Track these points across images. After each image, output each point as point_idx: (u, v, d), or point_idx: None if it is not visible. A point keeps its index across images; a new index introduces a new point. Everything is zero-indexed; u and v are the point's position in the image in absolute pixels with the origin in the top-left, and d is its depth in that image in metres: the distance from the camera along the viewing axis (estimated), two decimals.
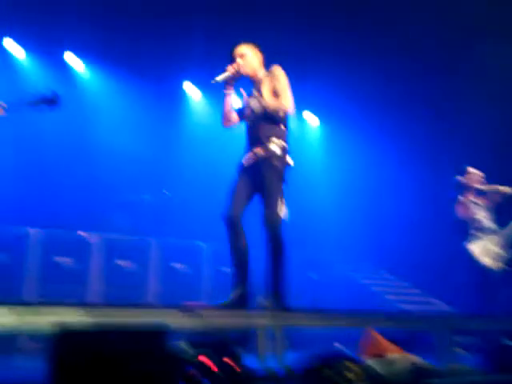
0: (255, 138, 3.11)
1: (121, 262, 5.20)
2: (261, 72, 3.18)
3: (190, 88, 7.58)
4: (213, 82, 3.05)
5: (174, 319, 2.29)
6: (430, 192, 6.89)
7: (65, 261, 4.94)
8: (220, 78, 3.07)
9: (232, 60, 3.14)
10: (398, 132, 7.38)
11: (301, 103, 3.26)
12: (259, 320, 2.56)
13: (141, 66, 6.65)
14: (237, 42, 3.20)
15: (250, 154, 3.13)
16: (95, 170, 6.25)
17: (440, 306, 6.41)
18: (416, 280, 6.79)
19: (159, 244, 5.48)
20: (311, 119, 8.36)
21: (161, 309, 2.43)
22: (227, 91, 3.14)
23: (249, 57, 3.14)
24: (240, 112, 3.26)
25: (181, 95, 7.53)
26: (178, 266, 5.52)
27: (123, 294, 5.03)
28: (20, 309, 1.92)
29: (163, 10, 5.99)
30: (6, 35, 6.24)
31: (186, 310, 2.35)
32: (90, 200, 6.07)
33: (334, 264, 6.64)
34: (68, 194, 6.00)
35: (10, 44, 6.34)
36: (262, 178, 3.05)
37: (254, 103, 3.14)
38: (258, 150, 3.07)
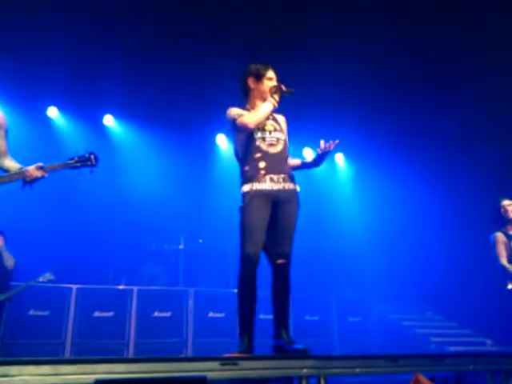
0: (280, 166, 2.98)
1: (158, 314, 5.20)
2: None
3: (222, 140, 7.79)
4: (287, 90, 3.04)
5: (213, 372, 2.26)
6: (472, 227, 6.68)
7: (104, 315, 4.99)
8: (287, 90, 3.07)
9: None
10: (430, 170, 7.31)
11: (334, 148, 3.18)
12: (302, 369, 2.48)
13: (172, 120, 6.92)
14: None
15: (276, 184, 2.92)
16: (131, 224, 6.38)
17: (493, 345, 6.06)
18: (466, 320, 6.48)
19: (196, 293, 5.48)
20: (339, 160, 8.39)
21: (199, 361, 2.39)
22: (276, 102, 3.04)
23: None
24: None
25: (212, 147, 7.74)
26: (215, 314, 5.47)
27: (160, 345, 5.00)
28: (62, 366, 1.93)
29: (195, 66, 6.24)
30: (50, 104, 6.67)
31: (224, 361, 2.31)
32: (126, 253, 6.18)
33: (374, 306, 6.44)
34: (104, 248, 6.13)
35: (51, 111, 6.77)
36: (287, 211, 2.94)
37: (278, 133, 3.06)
38: (287, 183, 2.96)
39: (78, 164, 2.88)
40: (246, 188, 2.95)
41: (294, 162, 3.21)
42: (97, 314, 4.97)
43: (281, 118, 3.20)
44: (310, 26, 5.66)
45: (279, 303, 2.92)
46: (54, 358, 2.25)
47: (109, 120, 7.16)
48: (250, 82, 3.15)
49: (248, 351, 2.78)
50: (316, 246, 6.73)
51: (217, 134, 7.73)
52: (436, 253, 6.99)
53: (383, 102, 6.68)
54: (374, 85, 6.45)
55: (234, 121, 3.01)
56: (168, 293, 5.39)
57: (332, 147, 3.08)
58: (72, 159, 2.88)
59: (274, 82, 3.12)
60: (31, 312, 4.75)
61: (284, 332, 2.88)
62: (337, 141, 3.09)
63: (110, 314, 5.01)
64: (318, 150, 3.12)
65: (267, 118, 3.07)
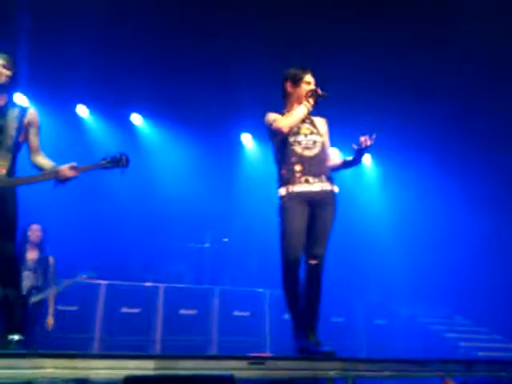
0: (317, 168, 2.98)
1: (184, 311, 5.25)
2: None
3: (247, 139, 7.80)
4: (322, 94, 3.04)
5: (240, 370, 2.25)
6: (505, 229, 6.51)
7: (132, 311, 5.06)
8: (322, 94, 3.07)
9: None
10: (460, 170, 7.15)
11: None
12: (330, 371, 2.46)
13: (198, 118, 6.97)
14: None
15: (313, 185, 2.93)
16: (158, 222, 6.46)
17: None
18: (496, 325, 6.31)
19: (222, 292, 5.50)
20: (366, 160, 8.29)
21: (227, 360, 2.39)
22: (311, 106, 3.05)
23: None
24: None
25: (238, 146, 7.76)
26: (240, 313, 5.49)
27: (187, 342, 5.04)
28: (94, 361, 1.96)
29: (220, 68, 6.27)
30: (78, 102, 6.81)
31: (252, 360, 2.31)
32: (153, 250, 6.25)
33: (401, 309, 6.34)
34: (132, 245, 6.22)
35: (81, 109, 6.91)
36: (323, 213, 2.94)
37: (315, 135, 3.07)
38: (324, 184, 2.96)
39: (110, 165, 2.90)
40: (283, 191, 2.97)
41: (334, 162, 3.18)
42: (124, 309, 5.04)
43: (320, 121, 3.18)
44: (337, 28, 5.60)
45: (308, 304, 2.90)
46: (86, 352, 2.29)
47: (136, 118, 7.24)
48: (288, 86, 3.14)
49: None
50: (343, 246, 6.65)
51: (242, 132, 7.73)
52: (466, 256, 6.82)
53: (413, 104, 6.58)
54: (400, 87, 6.36)
55: (269, 126, 3.04)
56: (194, 291, 5.43)
57: (369, 143, 3.05)
58: (104, 160, 2.90)
59: (311, 86, 3.10)
60: (60, 307, 4.83)
61: (311, 334, 2.86)
62: (374, 135, 3.05)
63: (137, 310, 5.08)
64: (354, 145, 3.09)
65: (303, 121, 3.07)
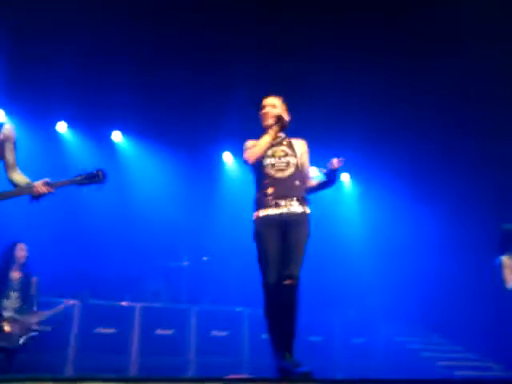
0: (289, 190, 3.01)
1: (161, 331, 5.17)
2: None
3: (228, 158, 7.82)
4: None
5: None
6: (476, 249, 6.64)
7: (106, 331, 4.96)
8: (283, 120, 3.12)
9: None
10: (432, 193, 7.34)
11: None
12: None
13: (179, 137, 6.98)
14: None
15: (282, 208, 2.96)
16: (136, 240, 6.38)
17: (500, 370, 5.95)
18: (471, 343, 6.39)
19: (199, 311, 5.44)
20: (344, 178, 8.40)
21: (203, 382, 2.36)
22: (275, 133, 3.08)
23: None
24: None
25: (218, 165, 7.77)
26: (218, 333, 5.43)
27: (162, 362, 4.96)
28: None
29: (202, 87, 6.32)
30: (59, 119, 6.76)
31: (228, 382, 2.28)
32: (130, 269, 6.17)
33: (379, 328, 6.37)
34: (109, 263, 6.12)
35: (61, 126, 6.84)
36: (294, 234, 2.94)
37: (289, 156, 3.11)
38: (295, 206, 2.98)
39: (86, 181, 2.85)
40: (255, 215, 3.02)
41: (311, 183, 3.22)
42: (99, 329, 4.94)
43: (298, 143, 3.22)
44: (312, 50, 5.72)
45: (285, 324, 2.89)
46: (42, 374, 2.20)
47: (117, 136, 7.21)
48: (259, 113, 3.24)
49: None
50: (319, 265, 6.69)
51: (223, 151, 7.75)
52: (441, 275, 6.92)
53: (388, 127, 6.76)
54: (379, 111, 6.53)
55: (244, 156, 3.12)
56: (171, 310, 5.36)
57: (337, 166, 3.11)
58: (80, 176, 2.86)
59: (267, 110, 3.15)
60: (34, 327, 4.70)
61: (288, 354, 2.85)
62: (342, 158, 3.11)
63: (113, 330, 4.98)
64: (322, 169, 3.15)
65: (280, 144, 3.12)
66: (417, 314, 6.81)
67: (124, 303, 5.25)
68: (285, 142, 3.16)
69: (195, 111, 6.65)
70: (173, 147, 7.06)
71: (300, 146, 3.22)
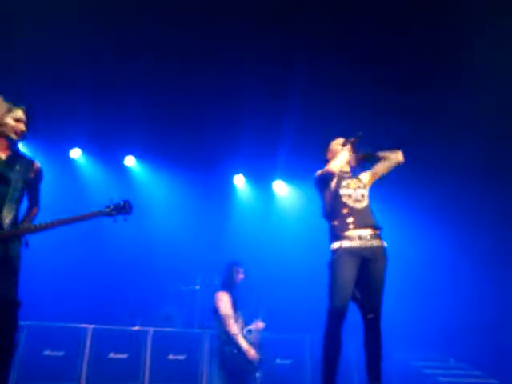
0: (367, 220, 3.19)
1: (173, 356, 5.12)
2: None
3: (239, 181, 7.85)
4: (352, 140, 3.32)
5: None
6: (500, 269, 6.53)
7: (119, 356, 4.93)
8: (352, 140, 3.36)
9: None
10: (443, 214, 7.25)
11: None
12: None
13: (191, 161, 7.05)
14: None
15: (364, 242, 3.11)
16: (147, 265, 6.40)
17: None
18: (490, 368, 6.21)
19: (210, 336, 5.39)
20: None
21: None
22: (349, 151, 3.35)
23: None
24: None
25: (230, 188, 7.81)
26: None
27: None
28: None
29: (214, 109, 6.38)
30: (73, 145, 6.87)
31: None
32: (142, 293, 6.16)
33: (393, 352, 6.22)
34: (121, 288, 6.12)
35: (75, 153, 6.96)
36: (375, 268, 3.08)
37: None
38: (375, 240, 3.13)
39: (114, 212, 2.92)
40: (336, 245, 3.14)
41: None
42: (112, 355, 4.92)
43: (364, 176, 3.44)
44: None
45: (371, 355, 3.02)
46: None
47: (130, 161, 7.30)
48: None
49: None
50: None
51: (234, 174, 7.80)
52: (458, 297, 6.79)
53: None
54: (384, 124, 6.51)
55: (319, 176, 3.31)
56: (183, 335, 5.32)
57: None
58: (108, 207, 2.91)
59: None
60: (47, 352, 4.71)
61: None
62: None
63: (125, 355, 4.95)
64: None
65: (351, 178, 3.38)
66: (433, 338, 6.66)
67: (136, 328, 5.23)
68: (355, 177, 3.41)
69: (209, 134, 6.71)
70: (184, 170, 7.12)
71: (367, 178, 3.44)
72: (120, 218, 2.94)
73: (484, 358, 6.19)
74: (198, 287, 6.23)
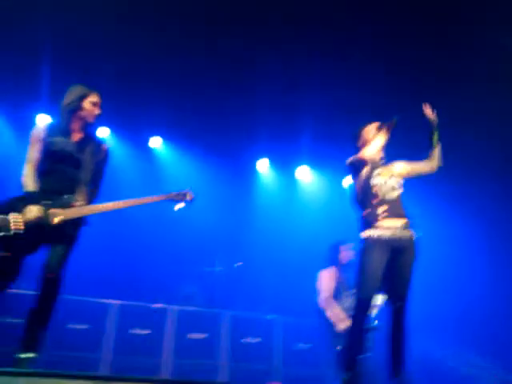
0: (399, 210, 3.15)
1: (193, 335, 5.19)
2: None
3: (262, 165, 7.81)
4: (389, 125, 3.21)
5: None
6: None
7: (140, 332, 5.02)
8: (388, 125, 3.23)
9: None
10: (471, 205, 7.09)
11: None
12: None
13: (214, 144, 7.05)
14: None
15: (394, 232, 3.08)
16: (170, 245, 6.46)
17: None
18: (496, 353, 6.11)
19: (231, 317, 5.44)
20: None
21: None
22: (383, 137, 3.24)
23: None
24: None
25: (253, 172, 7.77)
26: (249, 339, 5.40)
27: (194, 367, 4.97)
28: (68, 381, 1.90)
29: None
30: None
31: None
32: (165, 273, 6.24)
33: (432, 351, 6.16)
34: (144, 267, 6.21)
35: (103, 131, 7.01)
36: (404, 259, 3.07)
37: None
38: (405, 231, 3.10)
39: (178, 197, 3.09)
40: (366, 234, 3.12)
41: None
42: (134, 331, 5.00)
43: (399, 166, 3.35)
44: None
45: (395, 344, 3.02)
46: (58, 371, 2.22)
47: (155, 142, 7.33)
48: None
49: None
50: None
51: (257, 159, 7.78)
52: (482, 291, 6.66)
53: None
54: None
55: (350, 162, 3.26)
56: (204, 314, 5.38)
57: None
58: (173, 193, 3.08)
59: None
60: (70, 325, 4.81)
61: (398, 373, 2.96)
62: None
63: (147, 331, 5.04)
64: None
65: (384, 166, 3.30)
66: (460, 334, 6.55)
67: (158, 305, 5.30)
68: (388, 165, 3.33)
69: (233, 119, 6.69)
70: (208, 154, 7.13)
71: (402, 167, 3.35)
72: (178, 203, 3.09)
73: (506, 351, 6.08)
74: (219, 268, 6.28)
